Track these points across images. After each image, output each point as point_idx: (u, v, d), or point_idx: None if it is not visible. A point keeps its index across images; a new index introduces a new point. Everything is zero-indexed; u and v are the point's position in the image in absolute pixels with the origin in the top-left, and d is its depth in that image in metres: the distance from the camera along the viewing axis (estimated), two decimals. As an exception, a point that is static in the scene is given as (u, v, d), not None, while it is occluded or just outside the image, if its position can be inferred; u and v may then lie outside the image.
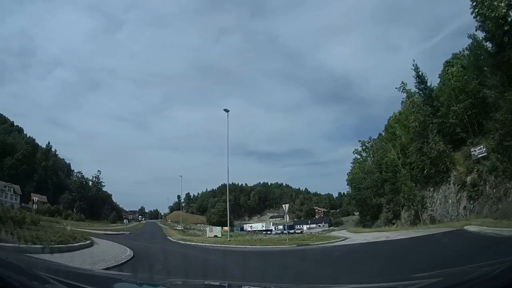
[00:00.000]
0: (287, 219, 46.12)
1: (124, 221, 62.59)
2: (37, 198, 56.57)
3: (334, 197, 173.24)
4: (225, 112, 39.15)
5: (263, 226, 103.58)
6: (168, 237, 45.80)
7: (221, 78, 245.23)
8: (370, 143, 67.54)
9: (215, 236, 49.52)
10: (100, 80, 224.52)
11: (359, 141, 69.48)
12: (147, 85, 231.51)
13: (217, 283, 4.44)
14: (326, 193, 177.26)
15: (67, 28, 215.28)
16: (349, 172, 70.38)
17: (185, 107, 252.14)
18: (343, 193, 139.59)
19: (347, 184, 71.35)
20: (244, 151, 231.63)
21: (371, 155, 65.47)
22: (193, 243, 32.43)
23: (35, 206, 49.16)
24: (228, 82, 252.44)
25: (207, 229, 60.76)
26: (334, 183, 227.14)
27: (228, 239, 35.79)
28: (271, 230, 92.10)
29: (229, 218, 47.23)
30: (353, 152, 70.04)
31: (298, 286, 5.60)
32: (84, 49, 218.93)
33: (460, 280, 2.33)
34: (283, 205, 36.09)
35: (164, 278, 5.14)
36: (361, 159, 69.33)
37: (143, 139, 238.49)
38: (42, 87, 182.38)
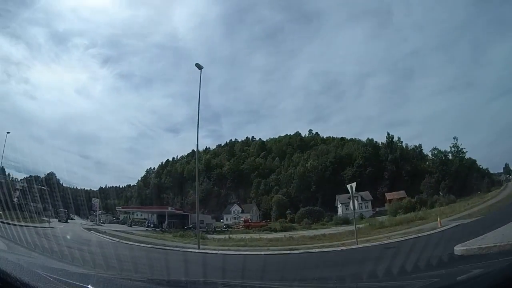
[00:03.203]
0: None
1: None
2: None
3: None
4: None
5: None
6: None
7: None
8: None
9: None
10: (410, 66, 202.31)
11: None
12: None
13: (218, 282, 4.69)
14: None
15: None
16: None
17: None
18: None
19: None
20: None
21: None
22: None
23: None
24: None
25: None
26: None
27: None
28: None
29: None
30: None
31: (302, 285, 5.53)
32: (380, 52, 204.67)
33: (457, 279, 2.38)
34: None
35: (164, 278, 5.59)
36: None
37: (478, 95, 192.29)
38: (363, 102, 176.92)
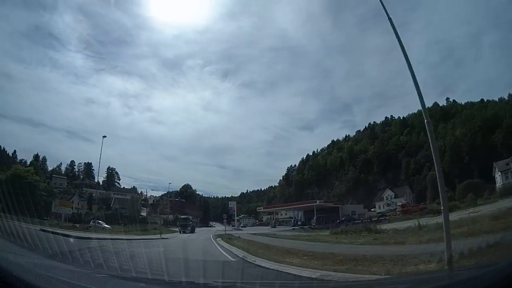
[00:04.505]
0: None
1: None
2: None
3: None
4: None
5: None
6: None
7: None
8: None
9: None
10: None
11: None
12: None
13: (215, 283, 4.53)
14: None
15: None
16: None
17: None
18: None
19: None
20: None
21: None
22: None
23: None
24: None
25: None
26: None
27: None
28: None
29: None
30: None
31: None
32: (482, 7, 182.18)
33: (457, 279, 2.46)
34: None
35: (164, 278, 5.37)
36: None
37: None
38: (483, 64, 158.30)
